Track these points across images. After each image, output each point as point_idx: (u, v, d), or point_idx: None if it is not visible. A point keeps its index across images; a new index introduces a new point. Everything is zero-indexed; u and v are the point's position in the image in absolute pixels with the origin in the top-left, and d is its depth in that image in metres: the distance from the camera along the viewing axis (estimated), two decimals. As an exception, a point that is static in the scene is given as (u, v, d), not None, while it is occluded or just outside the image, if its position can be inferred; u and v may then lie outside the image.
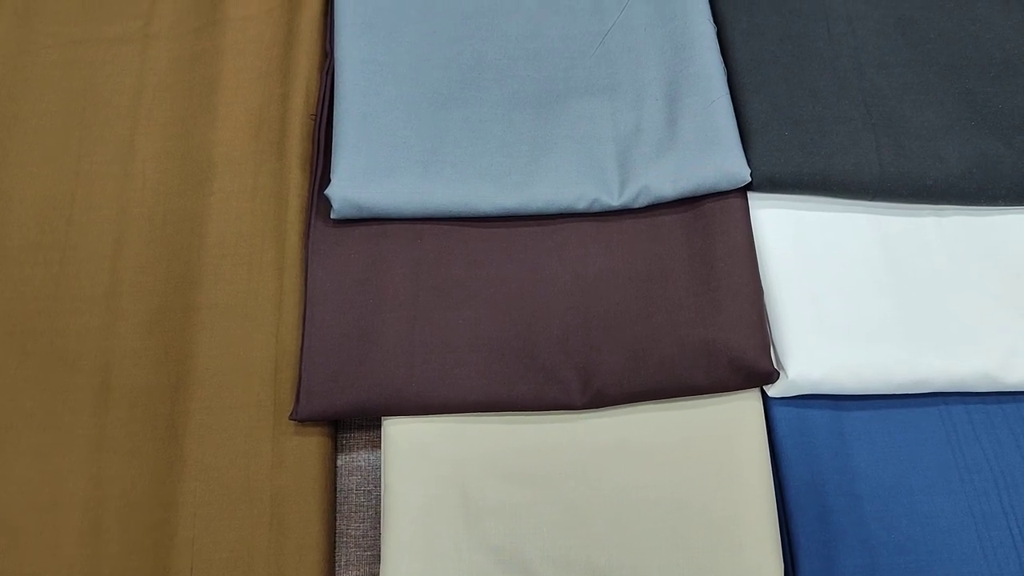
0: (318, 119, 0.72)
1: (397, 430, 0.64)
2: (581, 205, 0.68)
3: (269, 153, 0.73)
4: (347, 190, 0.66)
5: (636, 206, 0.69)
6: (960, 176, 0.70)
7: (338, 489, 0.67)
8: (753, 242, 0.68)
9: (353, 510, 0.66)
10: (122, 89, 0.77)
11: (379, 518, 0.65)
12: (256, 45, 0.78)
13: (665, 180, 0.68)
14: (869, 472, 0.64)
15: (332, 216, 0.67)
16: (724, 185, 0.68)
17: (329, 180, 0.67)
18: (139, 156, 0.74)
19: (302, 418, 0.63)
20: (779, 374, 0.65)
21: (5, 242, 0.71)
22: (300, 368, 0.64)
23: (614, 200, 0.68)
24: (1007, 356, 0.66)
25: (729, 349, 0.64)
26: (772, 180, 0.68)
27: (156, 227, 0.71)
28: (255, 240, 0.70)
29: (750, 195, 0.70)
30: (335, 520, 0.65)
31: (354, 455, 0.68)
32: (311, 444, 0.64)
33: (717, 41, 0.75)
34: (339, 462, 0.67)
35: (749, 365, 0.63)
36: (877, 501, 0.64)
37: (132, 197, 0.72)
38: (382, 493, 0.63)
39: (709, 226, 0.68)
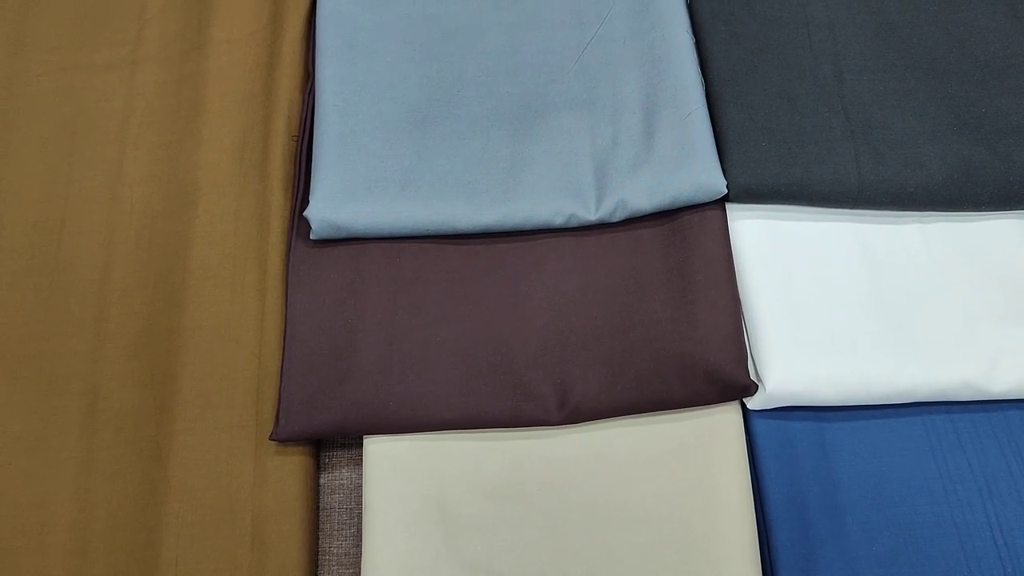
0: (300, 140, 0.73)
1: (377, 448, 0.65)
2: (558, 220, 0.68)
3: (252, 175, 0.74)
4: (325, 211, 0.67)
5: (613, 220, 0.69)
6: (941, 183, 0.69)
7: (321, 507, 0.67)
8: (731, 254, 0.68)
9: (336, 528, 0.67)
10: (111, 114, 0.78)
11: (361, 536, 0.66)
12: (240, 68, 0.79)
13: (641, 194, 0.68)
14: (851, 484, 0.64)
15: (311, 237, 0.68)
16: (700, 197, 0.68)
17: (308, 201, 0.68)
18: (127, 180, 0.75)
19: (282, 438, 0.63)
20: (757, 387, 0.64)
21: (-3, 268, 0.72)
22: (280, 388, 0.65)
23: (591, 215, 0.68)
24: (991, 365, 0.65)
25: (705, 363, 0.63)
26: (749, 191, 0.68)
27: (143, 250, 0.72)
28: (238, 262, 0.71)
29: (728, 206, 0.70)
30: (317, 538, 0.66)
31: (337, 473, 0.68)
32: (293, 463, 0.65)
33: (695, 52, 0.75)
34: (322, 480, 0.68)
35: (725, 378, 0.63)
36: (859, 513, 0.63)
37: (120, 221, 0.74)
38: (363, 510, 0.64)
39: (686, 239, 0.68)
